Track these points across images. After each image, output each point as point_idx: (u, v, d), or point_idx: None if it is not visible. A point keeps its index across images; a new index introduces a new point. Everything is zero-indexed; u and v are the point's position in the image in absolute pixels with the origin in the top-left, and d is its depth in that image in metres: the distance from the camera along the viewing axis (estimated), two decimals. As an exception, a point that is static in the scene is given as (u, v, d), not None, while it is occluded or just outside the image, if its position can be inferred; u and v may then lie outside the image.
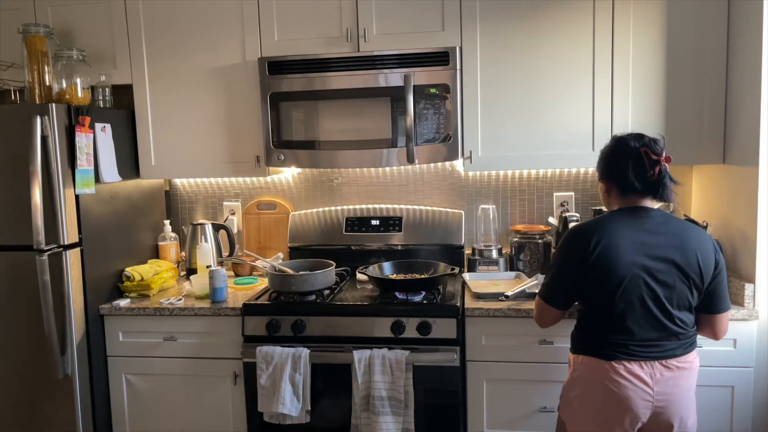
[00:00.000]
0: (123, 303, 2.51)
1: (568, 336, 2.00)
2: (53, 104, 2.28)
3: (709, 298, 1.81)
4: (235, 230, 3.07)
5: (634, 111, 2.46)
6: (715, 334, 1.87)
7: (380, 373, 2.21)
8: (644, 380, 1.77)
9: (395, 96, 2.50)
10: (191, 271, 2.88)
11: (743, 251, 2.28)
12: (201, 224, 2.90)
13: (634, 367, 1.78)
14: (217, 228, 2.96)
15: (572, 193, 2.88)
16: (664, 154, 1.82)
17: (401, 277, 2.56)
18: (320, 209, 2.99)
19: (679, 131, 2.43)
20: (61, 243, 2.31)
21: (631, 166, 1.82)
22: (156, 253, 2.94)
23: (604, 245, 1.78)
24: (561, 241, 1.92)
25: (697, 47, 2.39)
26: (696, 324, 1.85)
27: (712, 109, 2.41)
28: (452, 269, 2.49)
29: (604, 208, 2.61)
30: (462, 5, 2.49)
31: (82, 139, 2.37)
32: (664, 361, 1.78)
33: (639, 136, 1.86)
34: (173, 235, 2.97)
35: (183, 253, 3.01)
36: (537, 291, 2.35)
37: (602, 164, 1.95)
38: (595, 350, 1.84)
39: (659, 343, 1.78)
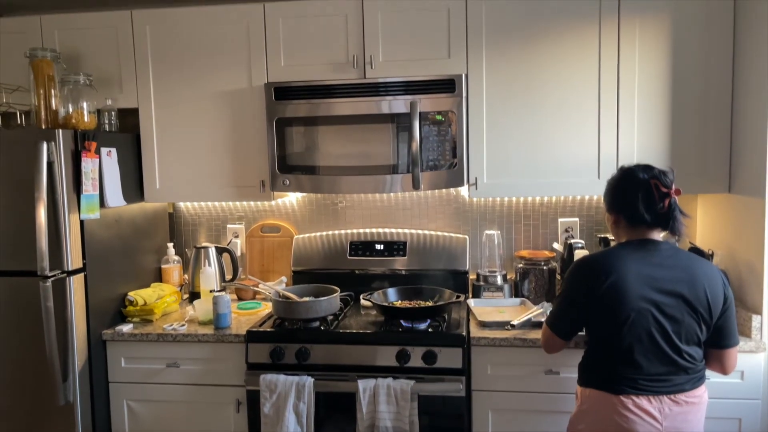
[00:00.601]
0: (126, 328, 2.49)
1: (575, 366, 1.99)
2: (60, 130, 2.28)
3: (718, 333, 1.80)
4: (238, 253, 3.07)
5: (639, 138, 2.46)
6: (724, 369, 1.85)
7: (385, 402, 2.20)
8: (653, 415, 1.76)
9: (401, 122, 2.50)
10: (194, 294, 2.87)
11: (750, 282, 2.27)
12: (204, 247, 2.90)
13: (643, 401, 1.76)
14: (220, 251, 2.95)
15: (577, 219, 2.88)
16: (673, 187, 1.81)
17: (406, 303, 2.55)
18: (324, 233, 2.98)
19: (685, 160, 2.44)
20: (65, 269, 2.30)
21: (640, 198, 1.81)
22: (159, 276, 2.93)
23: (612, 278, 1.77)
24: (568, 271, 1.91)
25: (703, 76, 2.40)
26: (705, 358, 1.84)
27: (718, 138, 2.42)
28: (458, 296, 2.48)
29: (609, 236, 2.63)
30: (468, 33, 2.50)
31: (88, 164, 2.37)
32: (672, 396, 1.77)
33: (648, 168, 1.85)
34: (176, 257, 2.96)
35: (186, 276, 3.00)
36: (543, 320, 2.36)
37: (610, 195, 1.94)
38: (603, 383, 1.82)
39: (668, 377, 1.77)
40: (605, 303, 1.77)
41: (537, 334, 2.26)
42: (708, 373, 1.88)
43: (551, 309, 1.97)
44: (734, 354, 1.85)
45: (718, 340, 1.81)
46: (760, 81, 2.18)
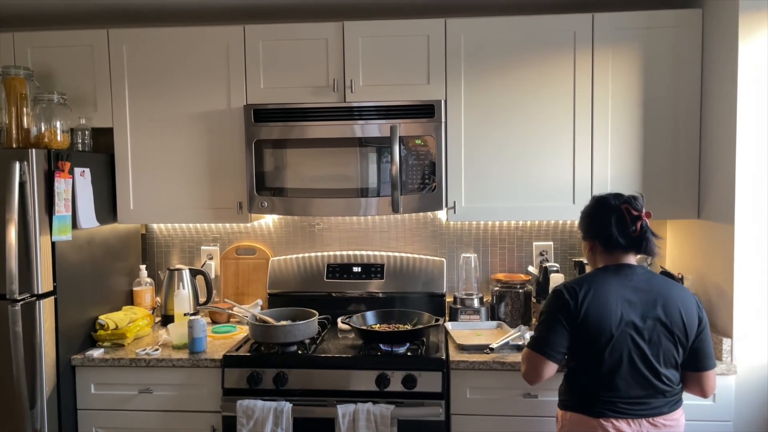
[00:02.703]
0: (96, 353, 2.42)
1: (553, 390, 2.01)
2: (33, 150, 2.23)
3: (695, 356, 1.84)
4: (212, 275, 3.02)
5: (612, 165, 2.53)
6: (703, 392, 1.89)
7: (365, 428, 2.17)
8: None
9: (380, 146, 2.52)
10: (167, 317, 2.81)
11: (719, 306, 2.34)
12: (178, 269, 2.84)
13: (622, 424, 1.79)
14: (194, 273, 2.90)
15: (551, 243, 2.93)
16: (644, 210, 1.87)
17: (385, 327, 2.54)
18: (301, 255, 2.96)
19: (656, 186, 2.51)
20: (35, 292, 2.23)
21: (613, 223, 1.87)
22: (130, 299, 2.86)
23: (591, 303, 1.80)
24: (548, 298, 1.92)
25: (673, 105, 2.49)
26: (684, 382, 1.88)
27: (687, 165, 2.50)
28: (436, 320, 2.48)
29: (584, 260, 2.67)
30: (447, 60, 2.54)
31: (61, 184, 2.32)
32: (651, 419, 1.80)
33: (618, 195, 1.92)
34: (149, 280, 2.90)
35: (158, 299, 2.94)
36: (520, 343, 2.38)
37: (585, 223, 1.99)
38: (583, 407, 1.84)
39: (646, 400, 1.80)
40: (585, 328, 1.80)
41: (515, 358, 2.28)
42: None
43: (533, 335, 1.93)
44: (713, 376, 1.89)
45: (695, 362, 1.85)
46: (728, 110, 2.27)
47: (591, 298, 1.81)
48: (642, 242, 1.86)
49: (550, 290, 1.95)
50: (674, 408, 1.84)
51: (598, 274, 1.89)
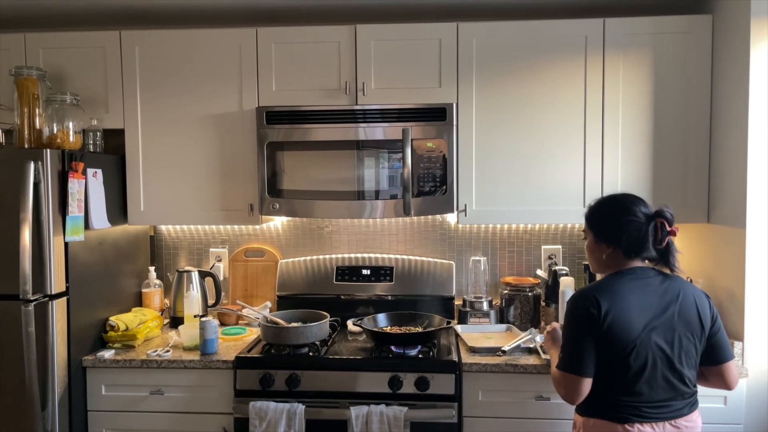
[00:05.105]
0: (108, 354, 2.41)
1: (565, 392, 2.00)
2: (47, 150, 2.23)
3: (715, 350, 1.85)
4: (221, 277, 3.02)
5: (623, 169, 2.54)
6: (728, 384, 1.89)
7: (378, 430, 2.17)
8: None
9: (392, 149, 2.53)
10: (176, 319, 2.81)
11: (730, 309, 2.35)
12: (187, 271, 2.84)
13: (646, 429, 1.78)
14: (203, 275, 2.90)
15: (560, 247, 2.94)
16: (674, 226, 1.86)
17: (396, 329, 2.54)
18: (309, 257, 2.97)
19: (665, 191, 2.53)
20: (48, 292, 2.22)
21: (644, 235, 1.83)
22: (139, 301, 2.86)
23: (613, 310, 1.78)
24: (568, 308, 1.89)
25: (683, 109, 2.51)
26: (706, 378, 1.89)
27: (697, 171, 2.52)
28: (448, 322, 2.49)
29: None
30: (459, 64, 2.56)
31: (75, 185, 2.32)
32: (672, 422, 1.80)
33: (639, 200, 1.88)
34: (158, 282, 2.90)
35: (167, 301, 2.93)
36: (531, 346, 2.39)
37: (606, 227, 1.91)
38: (606, 413, 1.82)
39: (669, 403, 1.79)
40: (610, 336, 1.77)
41: (527, 360, 2.29)
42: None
43: (562, 354, 1.88)
44: (734, 367, 1.89)
45: (716, 356, 1.86)
46: (739, 115, 2.29)
47: (614, 306, 1.78)
48: (667, 256, 1.86)
49: (570, 298, 1.90)
50: (693, 409, 1.84)
51: (616, 281, 1.86)
